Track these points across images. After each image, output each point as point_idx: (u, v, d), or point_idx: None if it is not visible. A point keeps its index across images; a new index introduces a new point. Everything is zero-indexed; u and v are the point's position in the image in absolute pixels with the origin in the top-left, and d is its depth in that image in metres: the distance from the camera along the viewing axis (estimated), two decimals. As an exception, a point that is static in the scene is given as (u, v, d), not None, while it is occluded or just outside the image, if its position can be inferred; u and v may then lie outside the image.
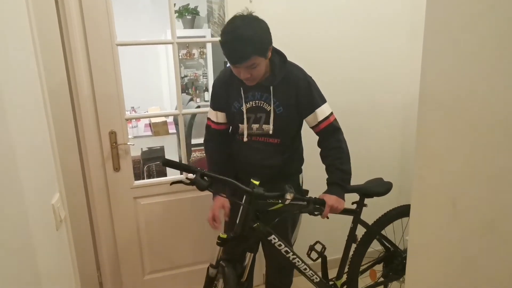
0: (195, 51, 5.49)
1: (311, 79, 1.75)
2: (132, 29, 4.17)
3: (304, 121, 1.81)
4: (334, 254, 2.02)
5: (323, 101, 1.75)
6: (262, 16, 1.59)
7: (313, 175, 1.91)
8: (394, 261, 2.01)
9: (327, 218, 1.70)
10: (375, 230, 1.99)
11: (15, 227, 0.89)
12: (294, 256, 1.75)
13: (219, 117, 1.84)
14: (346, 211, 1.81)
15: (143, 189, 2.19)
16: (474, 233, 0.83)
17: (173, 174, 3.47)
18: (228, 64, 1.62)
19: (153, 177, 3.86)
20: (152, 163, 3.90)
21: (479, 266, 0.82)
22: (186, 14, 5.18)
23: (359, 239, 1.98)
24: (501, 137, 0.74)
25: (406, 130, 2.57)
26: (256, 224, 1.63)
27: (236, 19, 1.54)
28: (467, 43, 0.80)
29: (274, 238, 1.68)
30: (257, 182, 1.57)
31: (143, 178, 3.83)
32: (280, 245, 1.70)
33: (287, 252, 1.72)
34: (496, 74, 0.74)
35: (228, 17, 2.10)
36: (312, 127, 1.78)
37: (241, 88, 1.71)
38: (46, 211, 1.14)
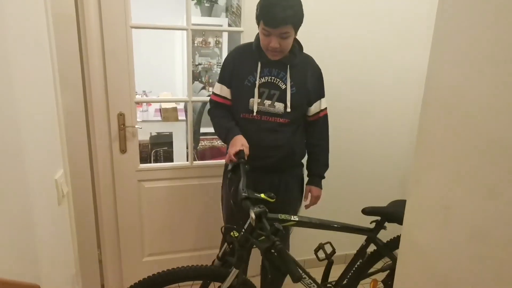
0: (211, 40, 5.49)
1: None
2: (150, 14, 4.19)
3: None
4: (338, 251, 1.99)
5: (324, 93, 1.90)
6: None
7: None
8: None
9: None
10: (387, 250, 1.83)
11: (16, 197, 0.91)
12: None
13: (228, 93, 1.84)
14: (361, 231, 1.76)
15: (148, 172, 2.21)
16: (464, 240, 0.84)
17: (179, 161, 3.50)
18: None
19: (160, 162, 3.89)
20: (160, 148, 3.93)
21: (467, 272, 0.83)
22: (205, 1, 5.18)
23: (367, 255, 1.87)
24: (497, 149, 0.75)
25: (415, 133, 2.54)
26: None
27: None
28: (472, 50, 0.80)
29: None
30: (270, 199, 1.44)
31: (150, 162, 3.88)
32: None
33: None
34: (498, 84, 0.74)
35: (244, 8, 2.09)
36: (312, 115, 1.88)
37: (259, 62, 1.75)
38: (49, 185, 1.16)
